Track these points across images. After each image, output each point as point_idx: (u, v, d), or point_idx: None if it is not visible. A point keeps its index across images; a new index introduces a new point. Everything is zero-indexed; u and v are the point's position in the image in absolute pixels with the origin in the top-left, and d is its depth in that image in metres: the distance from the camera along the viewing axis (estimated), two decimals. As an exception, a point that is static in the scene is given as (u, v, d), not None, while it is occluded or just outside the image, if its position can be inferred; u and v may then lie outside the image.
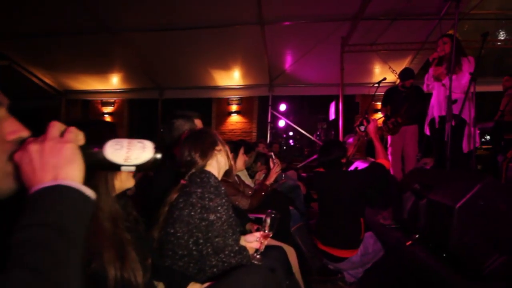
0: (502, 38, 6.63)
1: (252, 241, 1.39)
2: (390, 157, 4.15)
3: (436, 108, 2.92)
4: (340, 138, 5.60)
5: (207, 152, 1.35)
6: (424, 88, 3.06)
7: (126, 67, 6.82)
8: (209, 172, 1.33)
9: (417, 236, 1.88)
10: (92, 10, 4.91)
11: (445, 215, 1.50)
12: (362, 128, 2.52)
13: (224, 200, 1.25)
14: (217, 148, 1.39)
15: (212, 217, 1.20)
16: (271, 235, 1.36)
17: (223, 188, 1.32)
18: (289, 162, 6.60)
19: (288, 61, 6.68)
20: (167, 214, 1.27)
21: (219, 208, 1.22)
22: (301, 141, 8.87)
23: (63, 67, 6.73)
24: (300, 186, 3.95)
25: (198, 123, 1.81)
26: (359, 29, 5.16)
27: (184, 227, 1.21)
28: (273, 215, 1.34)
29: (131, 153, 0.57)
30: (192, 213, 1.20)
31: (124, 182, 0.86)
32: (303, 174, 6.11)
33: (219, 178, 1.43)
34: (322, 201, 2.50)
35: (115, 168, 0.58)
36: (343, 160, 2.45)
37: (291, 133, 9.61)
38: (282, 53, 6.45)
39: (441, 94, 2.82)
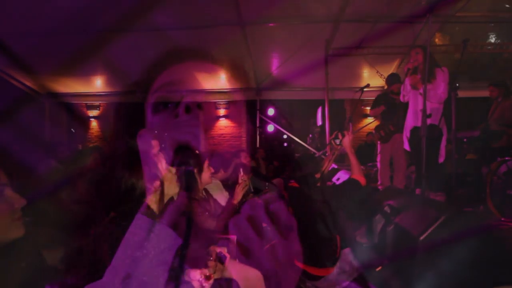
0: (492, 42, 6.43)
1: (194, 280, 1.25)
2: (378, 165, 4.09)
3: (411, 118, 2.82)
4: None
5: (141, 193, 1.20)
6: (401, 98, 2.98)
7: (108, 69, 6.62)
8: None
9: (385, 261, 1.76)
10: (68, 8, 4.68)
11: (410, 244, 1.37)
12: (338, 141, 2.42)
13: (152, 234, 1.11)
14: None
15: (136, 253, 1.05)
16: (212, 279, 1.23)
17: (156, 220, 1.17)
18: (282, 168, 6.40)
19: (274, 65, 6.60)
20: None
21: (144, 243, 1.08)
22: (295, 145, 8.69)
23: (42, 69, 6.46)
24: (285, 196, 3.79)
25: (154, 143, 1.62)
26: (344, 32, 5.09)
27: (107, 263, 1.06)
28: (211, 259, 1.21)
29: None
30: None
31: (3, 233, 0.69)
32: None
33: (161, 206, 1.28)
34: (295, 218, 2.37)
35: None
36: (317, 175, 2.36)
37: (285, 136, 9.42)
38: (266, 56, 6.37)
39: (418, 104, 2.73)
